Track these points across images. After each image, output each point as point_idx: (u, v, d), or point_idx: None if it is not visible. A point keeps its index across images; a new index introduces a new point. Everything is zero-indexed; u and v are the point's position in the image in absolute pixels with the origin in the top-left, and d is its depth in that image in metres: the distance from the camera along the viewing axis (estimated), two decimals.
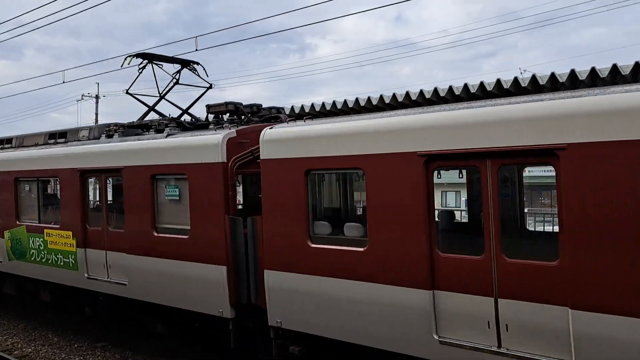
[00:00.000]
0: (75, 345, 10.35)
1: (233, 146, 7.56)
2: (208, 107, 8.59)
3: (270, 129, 7.11)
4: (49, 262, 10.39)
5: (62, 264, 10.12)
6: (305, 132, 6.67)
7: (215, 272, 7.50)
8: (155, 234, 8.33)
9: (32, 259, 10.81)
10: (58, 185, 10.38)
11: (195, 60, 10.50)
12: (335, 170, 7.10)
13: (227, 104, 8.38)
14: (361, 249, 6.06)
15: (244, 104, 8.85)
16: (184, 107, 10.44)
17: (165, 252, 8.17)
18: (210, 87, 10.08)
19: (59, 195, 10.44)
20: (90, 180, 9.98)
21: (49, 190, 11.16)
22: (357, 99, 9.46)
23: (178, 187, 8.13)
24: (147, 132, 9.30)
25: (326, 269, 6.33)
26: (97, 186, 10.33)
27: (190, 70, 10.35)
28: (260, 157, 7.03)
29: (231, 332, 7.49)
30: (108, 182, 9.51)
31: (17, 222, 11.21)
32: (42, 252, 10.54)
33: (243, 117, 8.60)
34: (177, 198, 8.13)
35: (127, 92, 10.48)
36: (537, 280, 4.92)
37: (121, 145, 8.99)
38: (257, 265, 7.14)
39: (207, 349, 9.30)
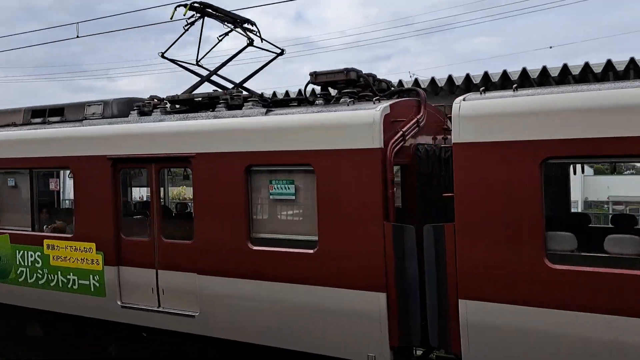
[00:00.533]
0: None
1: (388, 127, 5.47)
2: (314, 74, 6.34)
3: (473, 100, 5.07)
4: (52, 284, 7.52)
5: (76, 287, 7.31)
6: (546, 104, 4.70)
7: (366, 300, 5.35)
8: (252, 247, 5.99)
9: (21, 279, 7.83)
10: (70, 179, 7.56)
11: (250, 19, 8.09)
12: (605, 159, 5.21)
13: (348, 71, 6.20)
14: None
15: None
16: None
17: (270, 271, 5.87)
18: (282, 52, 7.77)
19: (70, 193, 7.65)
20: (127, 172, 7.33)
21: (52, 186, 8.18)
22: None
23: (293, 182, 5.87)
24: (203, 110, 6.87)
25: (587, 305, 4.48)
26: (123, 180, 7.67)
27: (246, 31, 7.96)
28: (456, 141, 5.03)
29: None
30: (162, 175, 6.91)
31: None
32: (40, 271, 7.62)
33: (357, 90, 6.44)
34: (292, 197, 5.86)
35: (163, 56, 7.91)
36: None
37: (188, 125, 6.49)
38: (445, 293, 5.11)
39: None
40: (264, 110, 6.18)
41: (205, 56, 8.13)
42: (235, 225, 6.07)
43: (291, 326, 5.83)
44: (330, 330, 5.60)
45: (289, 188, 5.86)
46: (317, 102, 6.23)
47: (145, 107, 7.42)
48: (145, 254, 6.84)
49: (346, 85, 6.34)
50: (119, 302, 6.98)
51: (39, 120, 8.30)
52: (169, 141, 6.58)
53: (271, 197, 6.00)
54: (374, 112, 5.39)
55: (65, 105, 8.23)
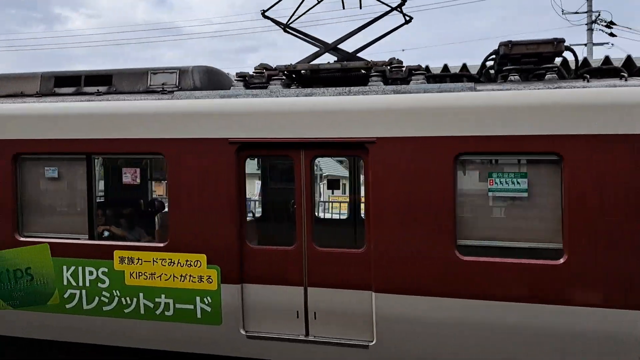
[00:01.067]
0: None
1: None
2: (509, 44, 5.14)
3: None
4: (127, 310, 5.54)
5: (170, 313, 5.44)
6: None
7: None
8: (460, 256, 4.76)
9: (70, 306, 5.69)
10: (163, 168, 5.62)
11: None
12: None
13: (557, 41, 5.14)
14: None
15: None
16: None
17: (490, 288, 4.70)
18: (410, 20, 6.45)
19: (152, 187, 5.72)
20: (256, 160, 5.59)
21: (129, 179, 5.99)
22: None
23: (525, 175, 4.74)
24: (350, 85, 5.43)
25: None
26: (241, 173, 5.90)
27: None
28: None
29: None
30: (313, 165, 5.29)
31: (17, 237, 5.83)
32: (106, 293, 5.58)
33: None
34: (523, 194, 4.73)
35: (287, 28, 6.30)
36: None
37: (362, 102, 5.02)
38: None
39: None
40: (471, 84, 4.96)
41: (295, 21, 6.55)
42: (435, 229, 4.80)
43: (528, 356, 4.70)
44: None
45: (519, 183, 4.74)
46: (511, 77, 5.15)
47: (255, 79, 5.78)
48: (286, 267, 5.25)
49: (542, 61, 5.32)
50: (242, 331, 5.30)
51: (69, 90, 6.16)
52: (330, 122, 5.06)
53: (490, 194, 4.83)
54: None
55: (113, 72, 6.20)
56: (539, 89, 4.77)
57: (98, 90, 6.01)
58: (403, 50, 41.44)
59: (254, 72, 5.89)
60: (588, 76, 4.89)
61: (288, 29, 6.22)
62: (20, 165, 5.91)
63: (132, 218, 6.40)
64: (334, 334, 5.16)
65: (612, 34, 16.76)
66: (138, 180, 5.88)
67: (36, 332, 5.88)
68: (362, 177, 5.82)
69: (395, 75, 5.45)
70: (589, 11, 21.30)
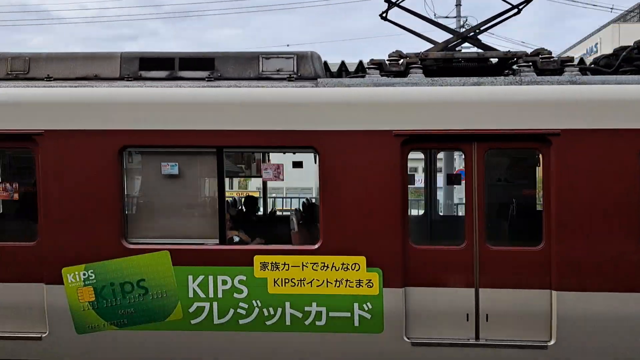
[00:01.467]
0: None
1: None
2: None
3: None
4: (269, 322, 4.90)
5: (322, 323, 4.89)
6: None
7: None
8: None
9: (196, 321, 4.92)
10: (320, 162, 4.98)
11: None
12: None
13: None
14: None
15: None
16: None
17: None
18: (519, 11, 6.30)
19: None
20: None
21: (270, 174, 5.17)
22: None
23: None
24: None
25: None
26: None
27: None
28: None
29: None
30: (485, 157, 4.94)
31: (124, 244, 4.94)
32: (244, 305, 4.89)
33: None
34: None
35: (385, 18, 5.92)
36: None
37: (548, 92, 4.79)
38: None
39: None
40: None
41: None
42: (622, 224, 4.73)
43: None
44: None
45: None
46: None
47: (392, 66, 5.39)
48: (454, 267, 4.91)
49: None
50: (405, 338, 4.89)
51: (160, 73, 5.37)
52: (505, 113, 4.80)
53: None
54: None
55: (216, 55, 5.48)
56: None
57: (210, 75, 5.26)
58: (288, 45, 42.57)
59: (387, 60, 5.47)
60: None
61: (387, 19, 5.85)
62: (128, 159, 5.03)
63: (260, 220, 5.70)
64: (506, 336, 4.92)
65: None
66: (282, 177, 5.21)
67: (150, 353, 5.03)
68: (538, 171, 5.62)
69: (547, 66, 5.31)
70: (458, 16, 22.23)
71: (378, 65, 5.39)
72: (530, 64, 5.28)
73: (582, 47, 30.38)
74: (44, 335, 5.00)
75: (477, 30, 6.08)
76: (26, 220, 5.35)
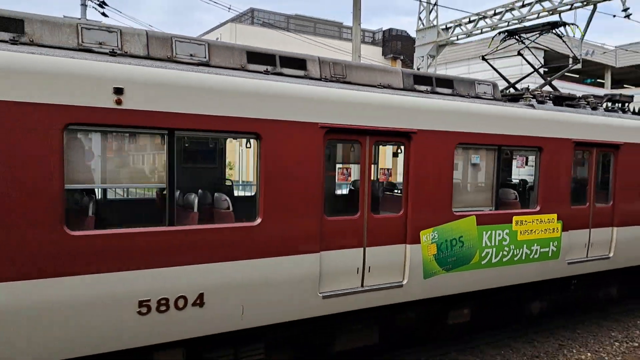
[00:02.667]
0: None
1: None
2: None
3: None
4: (517, 259, 7.76)
5: (537, 256, 8.03)
6: None
7: None
8: None
9: (484, 262, 7.40)
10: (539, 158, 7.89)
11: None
12: None
13: None
14: None
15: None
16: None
17: None
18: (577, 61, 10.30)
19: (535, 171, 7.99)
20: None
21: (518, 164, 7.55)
22: None
23: None
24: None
25: None
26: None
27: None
28: None
29: None
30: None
31: (453, 214, 7.03)
32: (506, 249, 7.62)
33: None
34: None
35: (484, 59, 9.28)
36: None
37: None
38: None
39: None
40: None
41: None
42: None
43: None
44: None
45: None
46: None
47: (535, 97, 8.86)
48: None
49: None
50: (566, 260, 8.49)
51: (423, 87, 7.65)
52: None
53: None
54: None
55: (453, 78, 8.02)
56: None
57: (435, 89, 7.58)
58: None
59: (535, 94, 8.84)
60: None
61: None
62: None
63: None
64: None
65: (104, 14, 16.97)
66: (525, 166, 8.00)
67: (461, 287, 7.28)
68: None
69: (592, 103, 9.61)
70: None
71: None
72: None
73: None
74: (404, 283, 6.73)
75: None
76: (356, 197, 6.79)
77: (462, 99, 7.50)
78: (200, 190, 6.31)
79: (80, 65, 4.73)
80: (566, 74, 27.86)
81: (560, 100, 9.27)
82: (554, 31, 9.85)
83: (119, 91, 4.77)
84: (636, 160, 9.45)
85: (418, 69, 21.08)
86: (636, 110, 10.92)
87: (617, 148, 9.14)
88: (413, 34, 22.68)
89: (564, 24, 9.63)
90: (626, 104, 10.15)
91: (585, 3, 15.98)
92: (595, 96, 9.74)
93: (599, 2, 15.59)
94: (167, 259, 5.10)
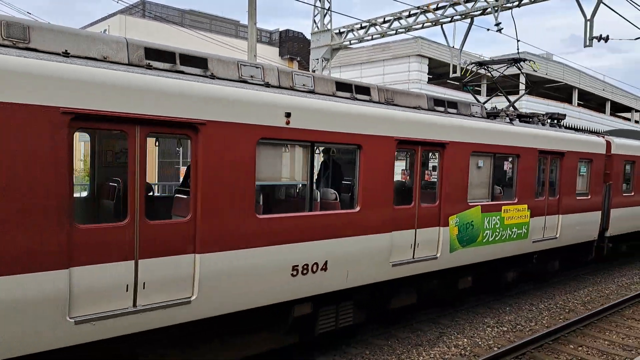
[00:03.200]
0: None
1: None
2: None
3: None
4: (505, 237, 10.37)
5: (515, 236, 10.69)
6: None
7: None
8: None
9: (484, 240, 9.90)
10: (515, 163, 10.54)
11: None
12: None
13: None
14: None
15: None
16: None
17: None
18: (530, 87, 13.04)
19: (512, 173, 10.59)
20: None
21: (506, 167, 10.03)
22: None
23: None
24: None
25: None
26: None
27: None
28: None
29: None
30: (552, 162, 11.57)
31: (468, 204, 9.45)
32: (499, 230, 10.19)
33: None
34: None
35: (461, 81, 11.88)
36: None
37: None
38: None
39: None
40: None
41: None
42: None
43: None
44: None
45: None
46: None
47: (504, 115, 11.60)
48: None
49: None
50: (532, 240, 11.23)
51: (440, 109, 10.01)
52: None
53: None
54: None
55: (457, 101, 10.48)
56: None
57: (446, 110, 10.07)
58: None
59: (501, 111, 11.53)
60: None
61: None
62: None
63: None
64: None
65: None
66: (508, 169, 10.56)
67: (468, 259, 9.68)
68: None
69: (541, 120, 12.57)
70: None
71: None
72: None
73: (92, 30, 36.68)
74: (438, 256, 8.99)
75: None
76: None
77: (467, 117, 9.94)
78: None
79: (267, 96, 6.38)
80: (449, 82, 31.88)
81: (525, 118, 12.13)
82: (516, 65, 12.79)
83: (288, 115, 6.57)
84: (572, 166, 12.55)
85: (313, 71, 22.28)
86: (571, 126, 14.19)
87: (563, 155, 12.17)
88: (309, 36, 23.32)
89: (524, 60, 12.60)
90: (561, 121, 13.26)
91: (464, 17, 17.86)
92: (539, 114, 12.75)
93: (476, 16, 17.61)
94: (309, 235, 6.96)
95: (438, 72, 33.30)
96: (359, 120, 7.44)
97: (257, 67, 6.79)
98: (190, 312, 5.81)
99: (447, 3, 18.13)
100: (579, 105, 41.18)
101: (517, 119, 11.42)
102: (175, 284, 5.71)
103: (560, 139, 11.80)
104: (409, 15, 19.61)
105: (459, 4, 17.80)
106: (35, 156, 4.72)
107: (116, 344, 5.47)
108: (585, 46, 14.29)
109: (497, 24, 16.26)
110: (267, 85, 6.73)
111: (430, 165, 10.59)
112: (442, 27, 18.81)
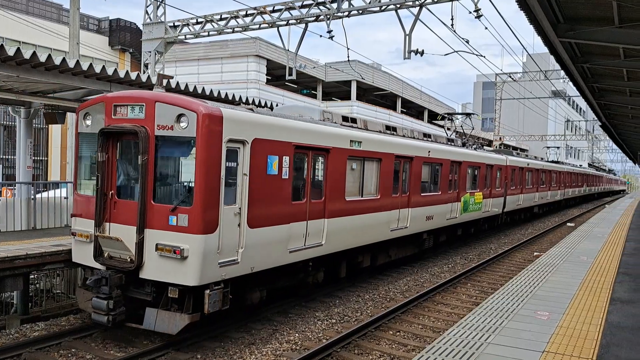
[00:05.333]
0: None
1: None
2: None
3: None
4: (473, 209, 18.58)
5: (477, 207, 18.89)
6: None
7: None
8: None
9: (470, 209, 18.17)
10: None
11: None
12: None
13: None
14: None
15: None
16: None
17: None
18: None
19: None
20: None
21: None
22: None
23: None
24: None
25: None
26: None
27: None
28: None
29: None
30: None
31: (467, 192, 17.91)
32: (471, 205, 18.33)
33: None
34: None
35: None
36: None
37: None
38: None
39: None
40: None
41: None
42: None
43: None
44: None
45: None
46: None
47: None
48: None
49: None
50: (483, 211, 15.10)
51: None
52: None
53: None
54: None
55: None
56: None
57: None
58: None
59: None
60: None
61: None
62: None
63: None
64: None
65: None
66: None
67: (467, 219, 18.33)
68: None
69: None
70: None
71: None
72: None
73: None
74: (457, 216, 16.55)
75: None
76: None
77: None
78: None
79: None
80: (286, 83, 33.08)
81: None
82: (470, 117, 16.81)
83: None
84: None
85: (146, 64, 21.61)
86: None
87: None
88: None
89: (474, 113, 16.54)
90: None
91: (299, 21, 18.35)
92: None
93: (310, 22, 18.15)
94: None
95: (277, 74, 33.94)
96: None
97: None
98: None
99: (283, 7, 18.54)
100: (402, 112, 45.24)
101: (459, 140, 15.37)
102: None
103: (468, 153, 18.44)
104: (246, 15, 19.61)
105: (294, 8, 18.31)
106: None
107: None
108: (404, 58, 15.69)
109: (329, 32, 17.11)
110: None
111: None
112: (278, 29, 19.19)
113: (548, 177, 32.40)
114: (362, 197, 11.66)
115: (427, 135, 16.10)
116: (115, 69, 10.70)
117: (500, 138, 39.61)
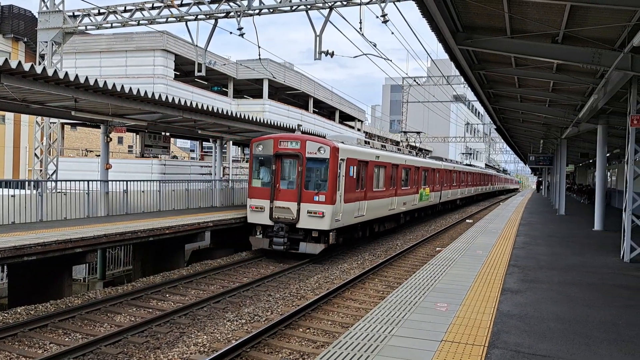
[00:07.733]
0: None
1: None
2: None
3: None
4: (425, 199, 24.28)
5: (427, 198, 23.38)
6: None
7: None
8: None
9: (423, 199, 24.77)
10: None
11: None
12: None
13: None
14: None
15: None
16: None
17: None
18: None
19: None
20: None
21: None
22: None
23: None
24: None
25: None
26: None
27: None
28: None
29: None
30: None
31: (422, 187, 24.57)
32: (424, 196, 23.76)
33: None
34: None
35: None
36: None
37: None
38: None
39: None
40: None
41: None
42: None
43: None
44: None
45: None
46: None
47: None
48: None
49: None
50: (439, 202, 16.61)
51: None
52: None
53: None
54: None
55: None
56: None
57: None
58: None
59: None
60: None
61: None
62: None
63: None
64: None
65: None
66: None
67: (427, 204, 27.54)
68: None
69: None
70: None
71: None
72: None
73: None
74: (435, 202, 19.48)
75: None
76: None
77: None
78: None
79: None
80: (196, 80, 32.28)
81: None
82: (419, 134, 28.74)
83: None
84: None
85: (42, 55, 20.54)
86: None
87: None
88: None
89: (422, 132, 30.33)
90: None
91: (208, 17, 17.82)
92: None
93: (220, 18, 17.66)
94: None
95: (186, 70, 32.91)
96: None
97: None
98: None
99: (192, 1, 18.08)
100: (314, 112, 45.74)
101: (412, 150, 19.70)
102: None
103: (423, 161, 25.57)
104: (153, 8, 18.84)
105: (203, 3, 17.91)
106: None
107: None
108: (315, 59, 15.91)
109: (240, 29, 16.90)
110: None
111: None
112: (187, 24, 18.65)
113: (466, 177, 42.38)
114: (378, 189, 19.99)
115: (398, 149, 25.22)
116: (7, 58, 9.88)
117: (407, 139, 41.39)
